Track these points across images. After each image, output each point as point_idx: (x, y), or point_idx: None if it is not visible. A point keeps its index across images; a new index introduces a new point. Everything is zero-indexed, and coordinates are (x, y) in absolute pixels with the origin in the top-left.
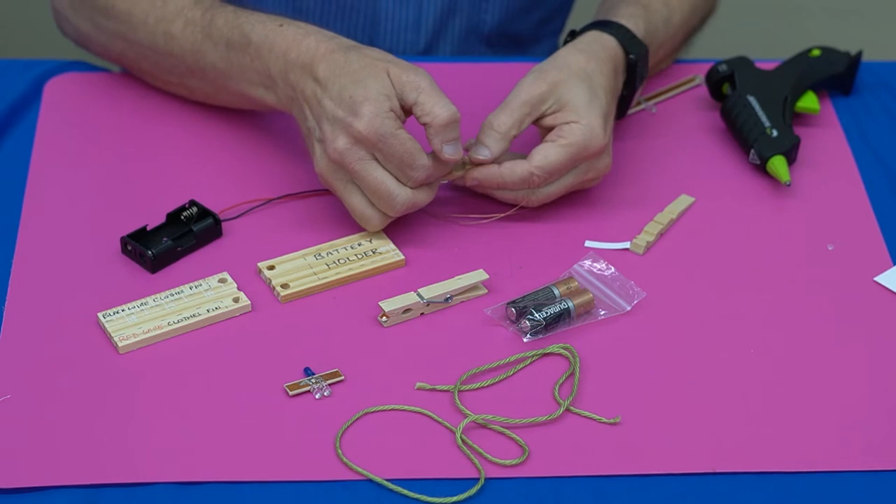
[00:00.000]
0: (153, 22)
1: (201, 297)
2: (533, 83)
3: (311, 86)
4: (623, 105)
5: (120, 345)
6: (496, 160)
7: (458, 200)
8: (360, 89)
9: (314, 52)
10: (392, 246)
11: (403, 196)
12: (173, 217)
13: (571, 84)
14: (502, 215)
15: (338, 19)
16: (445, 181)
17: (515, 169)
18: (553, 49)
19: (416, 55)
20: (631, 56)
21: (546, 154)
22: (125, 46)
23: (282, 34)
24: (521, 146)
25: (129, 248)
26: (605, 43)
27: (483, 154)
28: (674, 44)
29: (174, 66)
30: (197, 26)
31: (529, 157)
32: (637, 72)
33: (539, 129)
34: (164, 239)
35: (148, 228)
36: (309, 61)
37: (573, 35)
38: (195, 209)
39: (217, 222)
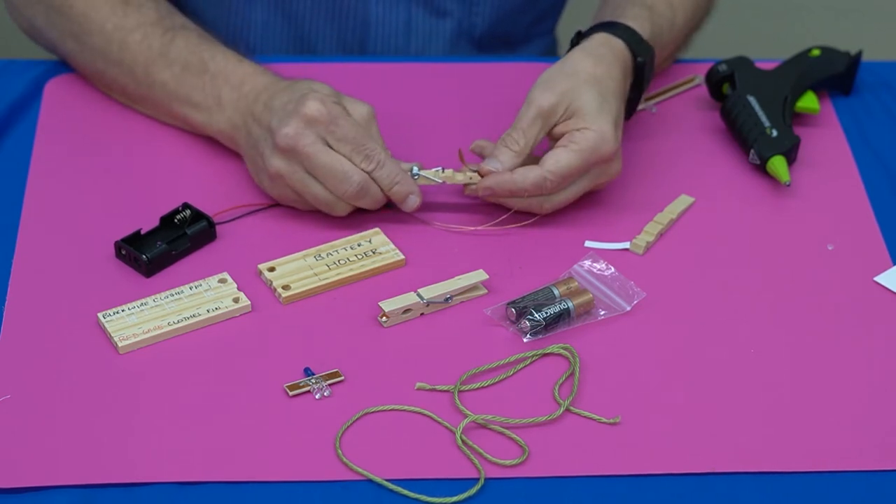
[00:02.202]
0: (111, 28)
1: (201, 297)
2: (542, 95)
3: (261, 106)
4: (629, 107)
5: (120, 345)
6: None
7: (456, 208)
8: (304, 86)
9: (267, 83)
10: (392, 246)
11: (358, 176)
12: (167, 220)
13: (581, 91)
14: (496, 222)
15: (328, 22)
16: (440, 182)
17: (528, 174)
18: (545, 48)
19: (406, 57)
20: (639, 59)
21: (558, 159)
22: (75, 47)
23: (241, 67)
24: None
25: (124, 252)
26: (613, 46)
27: (495, 166)
28: (676, 45)
29: (120, 75)
30: (155, 42)
31: (542, 162)
32: (644, 74)
33: (550, 136)
34: (159, 243)
35: (142, 232)
36: (262, 90)
37: (579, 36)
38: (189, 212)
39: (211, 225)
